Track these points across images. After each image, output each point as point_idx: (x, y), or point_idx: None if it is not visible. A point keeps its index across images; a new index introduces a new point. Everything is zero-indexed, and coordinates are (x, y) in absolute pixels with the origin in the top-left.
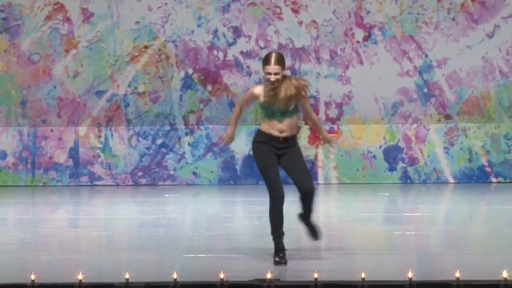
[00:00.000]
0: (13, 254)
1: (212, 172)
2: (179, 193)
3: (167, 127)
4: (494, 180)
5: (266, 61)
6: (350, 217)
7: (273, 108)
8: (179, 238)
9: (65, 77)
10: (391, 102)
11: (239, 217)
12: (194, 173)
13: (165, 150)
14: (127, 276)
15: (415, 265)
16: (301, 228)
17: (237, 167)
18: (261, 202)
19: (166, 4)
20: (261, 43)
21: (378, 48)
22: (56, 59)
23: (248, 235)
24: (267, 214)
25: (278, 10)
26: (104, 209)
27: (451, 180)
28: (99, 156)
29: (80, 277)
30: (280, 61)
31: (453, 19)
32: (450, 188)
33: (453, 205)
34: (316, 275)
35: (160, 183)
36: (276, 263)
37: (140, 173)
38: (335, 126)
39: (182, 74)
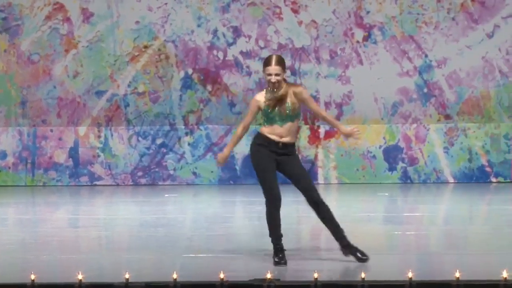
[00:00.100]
0: (13, 254)
1: (212, 172)
2: (179, 193)
3: (167, 127)
4: (494, 180)
5: (266, 63)
6: (350, 217)
7: (274, 113)
8: (179, 238)
9: (65, 77)
10: (391, 102)
11: (239, 217)
12: (194, 173)
13: (165, 150)
14: (127, 276)
15: (415, 265)
16: (301, 228)
17: (237, 167)
18: (261, 202)
19: (166, 4)
20: (261, 43)
21: (378, 48)
22: (56, 59)
23: (248, 235)
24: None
25: (278, 10)
26: (104, 209)
27: (451, 180)
28: (99, 156)
29: (80, 277)
30: (281, 62)
31: (453, 19)
32: (450, 188)
33: (453, 205)
34: (316, 275)
35: (160, 183)
36: (276, 263)
37: (140, 173)
38: None
39: (182, 74)
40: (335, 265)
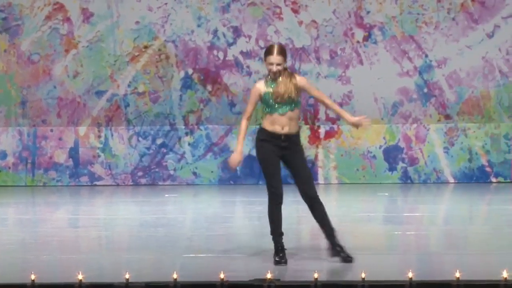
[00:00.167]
0: (13, 254)
1: (212, 172)
2: (179, 193)
3: (167, 127)
4: (494, 180)
5: (268, 52)
6: (350, 217)
7: (275, 101)
8: (179, 238)
9: (65, 77)
10: (391, 102)
11: (239, 217)
12: (194, 173)
13: (165, 150)
14: (127, 276)
15: (415, 265)
16: (301, 228)
17: (237, 167)
18: (261, 202)
19: (166, 4)
20: (261, 43)
21: (378, 48)
22: (56, 59)
23: (248, 235)
24: (267, 214)
25: (278, 10)
26: (104, 209)
27: (451, 180)
28: (99, 156)
29: (80, 277)
30: (282, 52)
31: (453, 19)
32: (450, 188)
33: (453, 205)
34: (316, 275)
35: (160, 183)
36: (276, 262)
37: (140, 173)
38: (335, 126)
39: (182, 74)
40: (335, 265)
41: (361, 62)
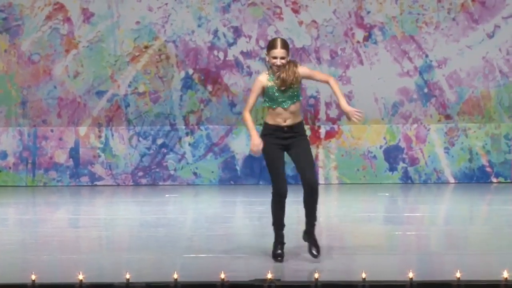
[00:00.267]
0: (13, 254)
1: (212, 172)
2: (179, 193)
3: (168, 127)
4: (494, 180)
5: (271, 45)
6: (351, 217)
7: (278, 92)
8: (180, 238)
9: (65, 77)
10: (391, 102)
11: (240, 217)
12: (195, 173)
13: (165, 150)
14: (127, 276)
15: (416, 265)
16: (302, 228)
17: (238, 167)
18: (262, 202)
19: (166, 4)
20: (262, 43)
21: (378, 48)
22: (56, 59)
23: (249, 235)
24: (268, 214)
25: (278, 10)
26: (104, 209)
27: (452, 180)
28: (99, 156)
29: (80, 277)
30: (286, 45)
31: (453, 19)
32: (451, 188)
33: (454, 205)
34: (316, 275)
35: (160, 183)
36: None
37: (140, 173)
38: (335, 126)
39: (183, 74)
40: (335, 265)
41: (361, 62)
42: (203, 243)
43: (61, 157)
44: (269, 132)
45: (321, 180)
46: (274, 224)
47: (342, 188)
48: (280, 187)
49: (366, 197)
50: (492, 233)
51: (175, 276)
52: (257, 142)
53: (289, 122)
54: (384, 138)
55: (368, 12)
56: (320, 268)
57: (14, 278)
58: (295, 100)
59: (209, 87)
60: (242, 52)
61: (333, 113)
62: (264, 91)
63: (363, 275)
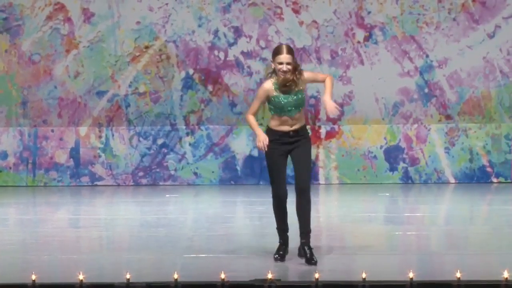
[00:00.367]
0: (13, 254)
1: (213, 172)
2: (180, 193)
3: (168, 127)
4: (495, 180)
5: (277, 51)
6: (351, 217)
7: (284, 101)
8: (180, 238)
9: (65, 77)
10: (391, 102)
11: (240, 217)
12: (195, 173)
13: (166, 150)
14: (128, 276)
15: (416, 265)
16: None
17: (238, 168)
18: (262, 203)
19: (166, 4)
20: (262, 43)
21: (378, 48)
22: (56, 59)
23: (249, 235)
24: (268, 215)
25: (278, 10)
26: (105, 209)
27: (452, 180)
28: (100, 156)
29: (81, 277)
30: (291, 51)
31: (454, 19)
32: (451, 188)
33: (454, 205)
34: (317, 275)
35: (161, 183)
36: (275, 259)
37: (141, 173)
38: (336, 126)
39: (183, 74)
40: (336, 265)
41: (361, 62)
42: (204, 243)
43: (62, 157)
44: (274, 138)
45: (321, 180)
46: (277, 228)
47: (343, 188)
48: (279, 189)
49: (366, 197)
50: (492, 233)
51: (176, 276)
52: (262, 138)
53: (295, 127)
54: (385, 138)
55: (369, 12)
56: (320, 268)
57: (15, 278)
58: (300, 108)
59: (210, 87)
60: (242, 52)
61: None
62: (270, 100)
63: (364, 275)
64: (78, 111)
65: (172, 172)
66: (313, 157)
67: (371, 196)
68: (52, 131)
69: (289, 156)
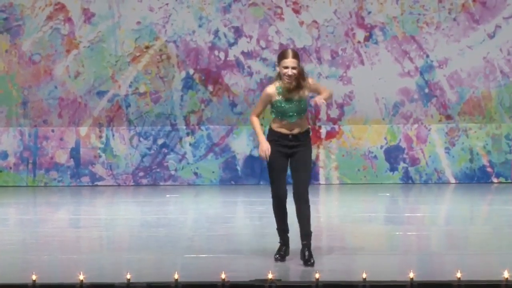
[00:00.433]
0: (14, 254)
1: (213, 172)
2: (180, 193)
3: (168, 127)
4: (495, 180)
5: (283, 56)
6: (351, 217)
7: (286, 106)
8: (180, 238)
9: (66, 77)
10: (392, 103)
11: (240, 217)
12: (195, 173)
13: (166, 150)
14: (128, 276)
15: (416, 265)
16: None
17: (238, 168)
18: (262, 203)
19: (167, 4)
20: (262, 44)
21: (379, 48)
22: (57, 59)
23: (249, 235)
24: (268, 215)
25: (279, 11)
26: (105, 209)
27: (452, 180)
28: (100, 156)
29: (81, 277)
30: (297, 55)
31: (454, 19)
32: (451, 188)
33: (454, 205)
34: (317, 275)
35: (161, 183)
36: (275, 259)
37: (141, 173)
38: (336, 126)
39: (183, 74)
40: (336, 265)
41: (362, 62)
42: (204, 243)
43: (62, 157)
44: (274, 139)
45: (322, 180)
46: (277, 228)
47: (343, 188)
48: (278, 189)
49: (366, 197)
50: (492, 233)
51: (176, 276)
52: (265, 148)
53: (295, 131)
54: (385, 138)
55: (369, 12)
56: (321, 268)
57: (15, 278)
58: (302, 115)
59: (210, 87)
60: (243, 52)
61: (334, 113)
62: (272, 104)
63: (364, 275)
64: (78, 111)
65: (173, 172)
66: (313, 157)
67: (372, 196)
68: (53, 131)
69: (290, 159)
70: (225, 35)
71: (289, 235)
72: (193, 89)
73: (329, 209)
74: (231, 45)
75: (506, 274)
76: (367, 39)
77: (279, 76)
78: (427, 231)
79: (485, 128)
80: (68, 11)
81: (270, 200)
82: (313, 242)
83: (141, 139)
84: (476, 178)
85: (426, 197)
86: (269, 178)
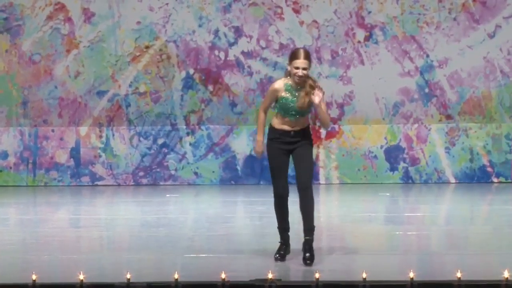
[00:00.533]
0: (14, 254)
1: (213, 172)
2: (180, 193)
3: (168, 127)
4: (495, 180)
5: (294, 56)
6: (351, 217)
7: (291, 105)
8: (180, 238)
9: (66, 77)
10: (392, 102)
11: (240, 217)
12: (195, 173)
13: (166, 150)
14: (128, 276)
15: (416, 265)
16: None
17: (238, 167)
18: (262, 202)
19: (167, 4)
20: (262, 43)
21: (379, 48)
22: (57, 59)
23: (249, 235)
24: (268, 214)
25: (279, 10)
26: (105, 209)
27: (452, 180)
28: (100, 156)
29: (81, 277)
30: (308, 56)
31: (454, 19)
32: (451, 188)
33: (454, 205)
34: (317, 275)
35: (161, 183)
36: (275, 259)
37: (141, 173)
38: (336, 126)
39: (183, 74)
40: (336, 265)
41: (362, 62)
42: (204, 243)
43: (62, 157)
44: (275, 136)
45: (322, 180)
46: (278, 227)
47: (343, 188)
48: (280, 187)
49: (366, 197)
50: (492, 233)
51: (176, 276)
52: (259, 150)
53: (296, 128)
54: (385, 138)
55: (369, 12)
56: (321, 268)
57: (15, 278)
58: (305, 114)
59: (210, 87)
60: (243, 52)
61: (334, 113)
62: (278, 100)
63: (364, 275)
64: (78, 111)
65: (173, 172)
66: (313, 157)
67: (372, 196)
68: (53, 131)
69: (291, 156)
70: (225, 35)
71: (289, 234)
72: (193, 89)
73: (329, 209)
74: (231, 45)
75: (506, 274)
76: (367, 39)
77: (289, 74)
78: (427, 231)
79: (485, 128)
80: (68, 11)
81: (270, 200)
82: (314, 242)
83: (141, 139)
84: (476, 178)
85: (426, 197)
86: (271, 176)
